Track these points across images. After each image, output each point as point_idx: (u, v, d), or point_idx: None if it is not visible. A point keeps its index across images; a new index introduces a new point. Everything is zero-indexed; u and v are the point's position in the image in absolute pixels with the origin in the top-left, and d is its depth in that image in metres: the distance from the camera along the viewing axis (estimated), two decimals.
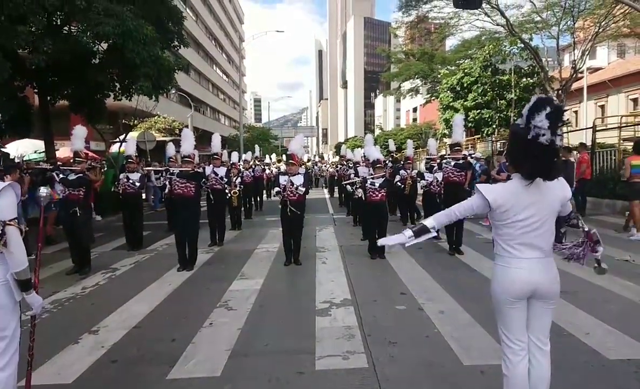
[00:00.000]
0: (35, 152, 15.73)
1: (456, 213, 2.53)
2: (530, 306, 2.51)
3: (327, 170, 25.83)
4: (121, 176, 8.88)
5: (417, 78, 33.98)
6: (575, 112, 28.98)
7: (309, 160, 36.91)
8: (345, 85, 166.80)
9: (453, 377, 3.43)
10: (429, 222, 2.54)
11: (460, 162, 7.89)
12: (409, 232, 2.51)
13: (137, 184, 8.78)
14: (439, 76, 31.19)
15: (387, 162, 11.49)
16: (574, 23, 20.33)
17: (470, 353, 3.78)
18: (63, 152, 15.41)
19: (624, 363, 3.56)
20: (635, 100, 25.20)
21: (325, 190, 24.11)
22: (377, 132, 66.93)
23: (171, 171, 7.36)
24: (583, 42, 20.69)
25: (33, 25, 9.80)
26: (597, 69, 31.51)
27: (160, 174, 10.81)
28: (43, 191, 3.26)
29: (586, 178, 11.40)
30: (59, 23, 11.24)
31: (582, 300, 4.96)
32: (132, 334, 4.48)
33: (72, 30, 11.27)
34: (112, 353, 4.06)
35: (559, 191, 2.43)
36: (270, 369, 3.62)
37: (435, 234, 2.64)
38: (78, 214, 6.86)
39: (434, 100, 34.06)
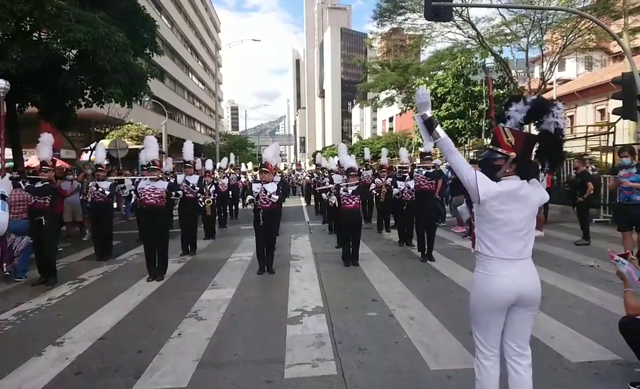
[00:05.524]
0: None
1: (455, 155, 2.49)
2: (511, 313, 2.47)
3: (303, 178, 25.84)
4: (90, 184, 8.68)
5: (392, 88, 34.46)
6: None
7: (285, 168, 36.85)
8: (322, 94, 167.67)
9: (420, 382, 3.46)
10: (439, 128, 2.52)
11: (431, 170, 8.01)
12: (429, 113, 2.55)
13: (107, 193, 8.61)
14: (413, 86, 31.69)
15: (360, 169, 11.60)
16: (542, 36, 20.99)
17: (437, 359, 3.83)
18: (32, 160, 15.01)
19: (585, 366, 3.66)
20: (602, 111, 26.08)
21: (302, 199, 24.11)
22: (355, 140, 67.53)
23: (136, 180, 7.21)
24: (551, 55, 21.38)
25: (1, 31, 9.56)
26: (566, 81, 32.58)
27: (123, 182, 10.48)
28: None
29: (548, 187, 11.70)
30: (28, 29, 10.99)
31: (549, 305, 5.08)
32: (97, 345, 4.37)
33: (42, 37, 11.03)
34: (76, 365, 3.96)
35: (542, 193, 2.50)
36: (239, 379, 3.59)
37: (438, 138, 2.51)
38: (43, 223, 6.67)
39: (409, 110, 34.60)
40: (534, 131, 2.54)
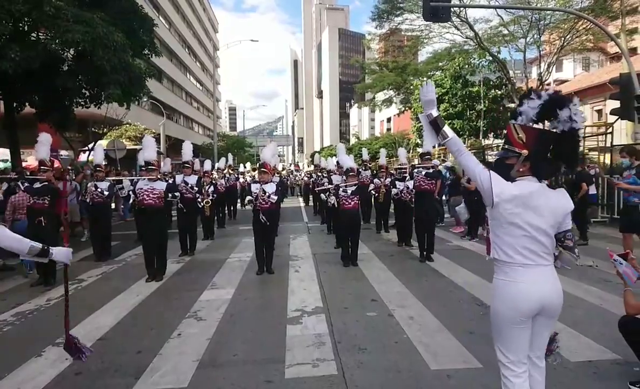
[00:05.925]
0: (0, 161, 15.25)
1: (466, 155, 2.34)
2: (533, 322, 2.30)
3: (302, 178, 25.85)
4: (89, 185, 8.66)
5: (390, 89, 34.54)
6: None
7: (283, 169, 36.83)
8: (320, 95, 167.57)
9: (420, 381, 3.47)
10: (447, 128, 2.37)
11: (431, 170, 8.03)
12: (435, 112, 2.38)
13: (106, 193, 8.59)
14: (411, 87, 31.76)
15: (359, 170, 11.62)
16: (540, 36, 21.05)
17: (437, 358, 3.84)
18: (31, 161, 14.99)
19: (585, 365, 3.67)
20: (599, 112, 26.10)
21: (300, 199, 24.12)
22: (354, 140, 67.68)
23: (134, 180, 7.19)
24: (549, 55, 21.46)
25: None
26: (563, 81, 32.61)
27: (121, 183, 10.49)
28: None
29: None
30: (26, 29, 10.96)
31: None
32: (97, 346, 4.35)
33: (41, 37, 11.01)
34: (76, 365, 3.92)
35: (564, 200, 2.28)
36: (239, 379, 3.59)
37: (447, 138, 2.36)
38: (43, 224, 6.66)
39: (407, 110, 34.68)
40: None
